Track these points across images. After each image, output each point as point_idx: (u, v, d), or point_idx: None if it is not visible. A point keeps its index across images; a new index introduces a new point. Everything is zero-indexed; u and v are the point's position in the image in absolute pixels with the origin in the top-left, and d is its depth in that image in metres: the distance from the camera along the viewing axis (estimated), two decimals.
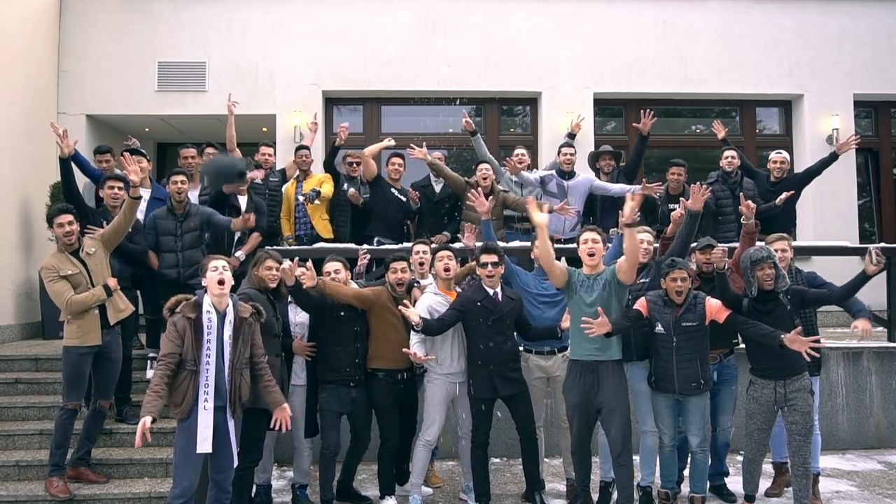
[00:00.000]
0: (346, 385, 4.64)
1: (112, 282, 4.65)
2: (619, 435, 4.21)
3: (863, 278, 4.36)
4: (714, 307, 4.43)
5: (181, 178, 5.53)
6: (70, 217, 4.55)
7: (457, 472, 5.43)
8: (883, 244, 7.32)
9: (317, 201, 6.37)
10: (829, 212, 8.62)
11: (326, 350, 4.65)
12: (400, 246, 6.02)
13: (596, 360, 4.24)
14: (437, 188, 6.55)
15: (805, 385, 4.35)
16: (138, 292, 5.62)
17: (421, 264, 5.05)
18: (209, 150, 6.62)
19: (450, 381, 4.70)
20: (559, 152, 6.77)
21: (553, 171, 6.75)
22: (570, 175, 6.62)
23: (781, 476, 5.04)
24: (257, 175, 6.28)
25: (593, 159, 6.93)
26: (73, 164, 5.53)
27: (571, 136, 7.69)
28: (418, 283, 4.90)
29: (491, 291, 4.61)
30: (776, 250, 4.60)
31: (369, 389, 4.73)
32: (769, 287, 4.34)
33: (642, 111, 6.64)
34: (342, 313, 4.63)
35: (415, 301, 4.71)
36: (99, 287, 4.55)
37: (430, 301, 4.69)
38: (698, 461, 4.62)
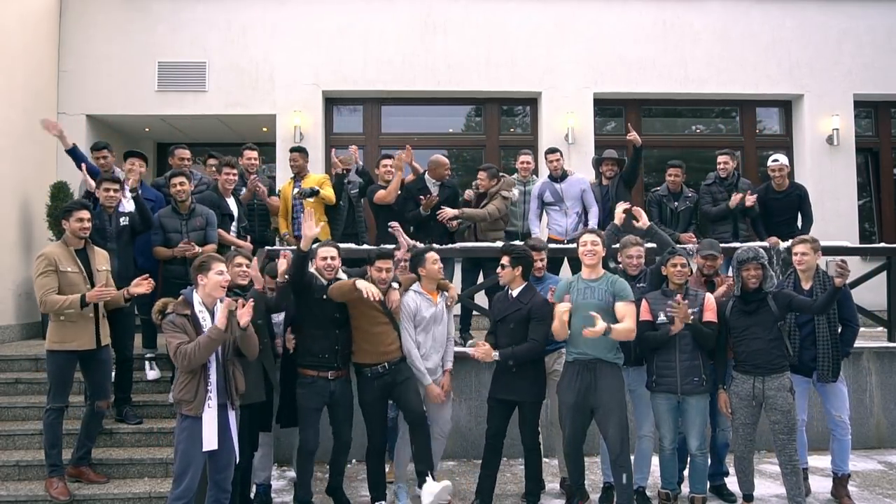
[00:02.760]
0: (324, 379, 4.50)
1: (94, 294, 4.43)
2: (616, 436, 4.18)
3: (833, 293, 4.39)
4: (709, 305, 4.53)
5: (180, 179, 5.52)
6: (89, 214, 4.60)
7: (456, 471, 5.44)
8: (883, 244, 7.35)
9: (311, 199, 6.22)
10: (829, 212, 8.61)
11: (305, 334, 4.57)
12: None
13: (593, 359, 4.21)
14: (434, 191, 6.54)
15: (784, 384, 4.41)
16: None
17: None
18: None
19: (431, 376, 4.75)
20: (546, 159, 6.77)
21: (546, 179, 6.74)
22: (561, 178, 6.61)
23: None
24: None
25: (596, 164, 6.94)
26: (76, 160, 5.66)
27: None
28: (398, 283, 4.80)
29: (508, 293, 4.61)
30: (795, 253, 4.68)
31: (355, 385, 4.66)
32: (753, 286, 4.43)
33: (628, 124, 6.59)
34: (325, 296, 4.49)
35: (393, 303, 4.64)
36: (76, 296, 4.39)
37: (415, 300, 4.70)
38: (698, 464, 4.62)
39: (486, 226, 6.53)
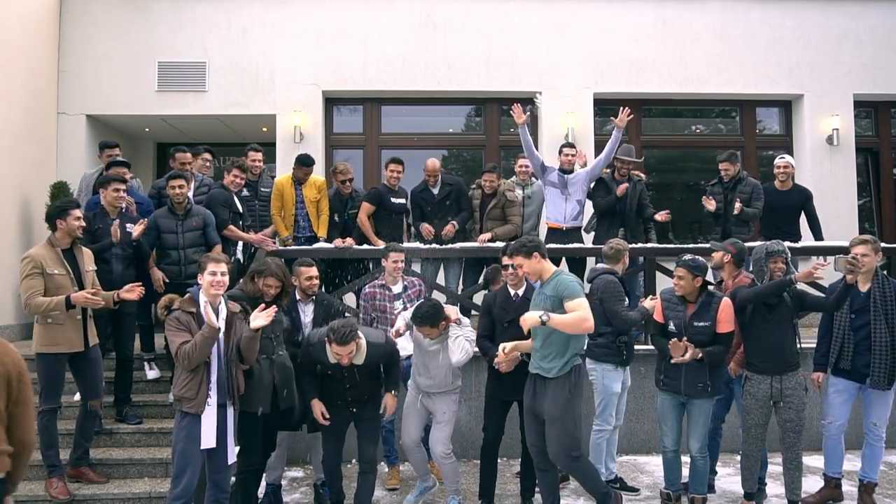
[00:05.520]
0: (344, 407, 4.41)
1: (80, 296, 4.37)
2: (557, 449, 4.02)
3: (846, 289, 4.37)
4: (725, 315, 4.33)
5: (180, 181, 5.55)
6: (81, 213, 4.62)
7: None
8: (883, 244, 7.33)
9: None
10: (829, 212, 8.58)
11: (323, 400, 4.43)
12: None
13: (536, 374, 4.14)
14: (435, 191, 6.55)
15: (800, 382, 4.43)
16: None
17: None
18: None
19: (413, 390, 4.71)
20: (560, 152, 6.77)
21: (557, 168, 6.76)
22: (569, 173, 6.65)
23: (829, 490, 4.85)
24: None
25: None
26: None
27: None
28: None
29: (512, 293, 4.56)
30: (855, 255, 4.46)
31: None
32: (778, 279, 4.46)
33: (622, 112, 6.48)
34: (329, 372, 4.31)
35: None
36: (61, 297, 4.34)
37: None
38: (698, 466, 4.59)
39: (493, 225, 6.55)
